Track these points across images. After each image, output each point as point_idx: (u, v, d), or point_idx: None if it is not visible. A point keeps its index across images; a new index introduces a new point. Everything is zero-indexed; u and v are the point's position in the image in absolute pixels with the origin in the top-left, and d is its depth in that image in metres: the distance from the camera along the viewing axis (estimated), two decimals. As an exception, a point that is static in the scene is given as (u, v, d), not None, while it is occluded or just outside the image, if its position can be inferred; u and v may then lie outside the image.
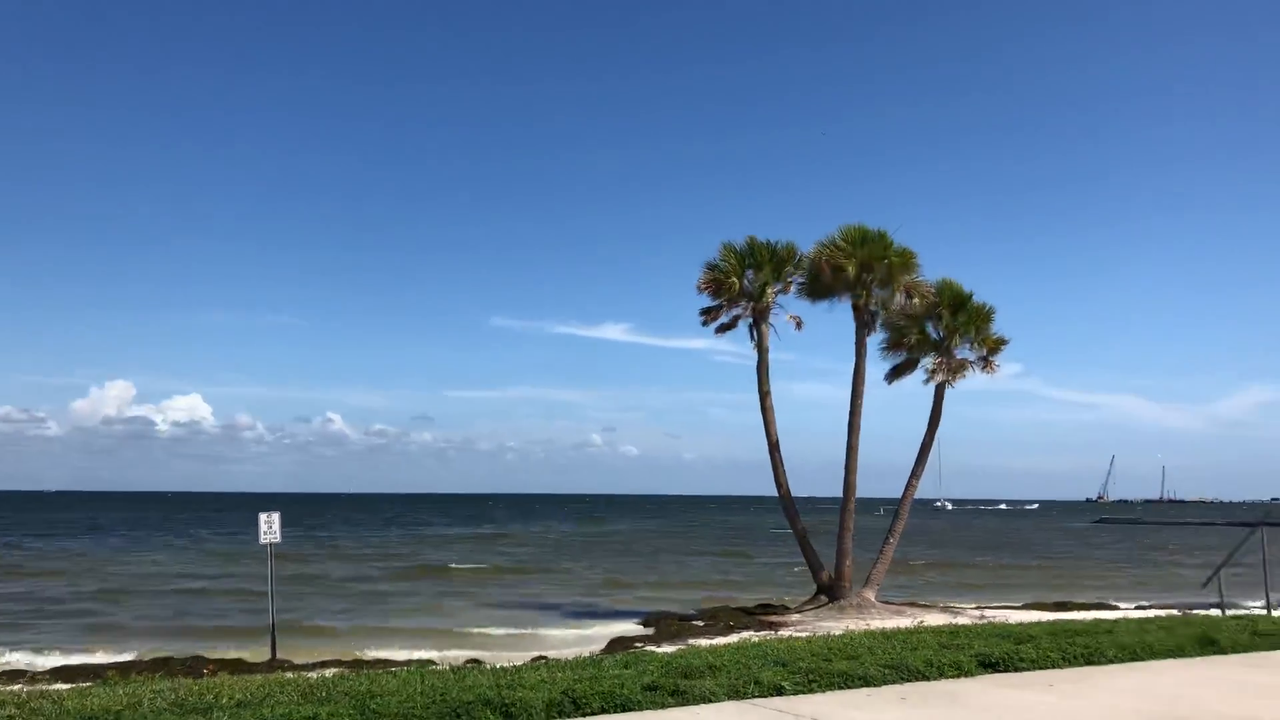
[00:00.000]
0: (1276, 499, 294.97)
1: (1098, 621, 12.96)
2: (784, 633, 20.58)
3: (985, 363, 27.60)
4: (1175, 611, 17.76)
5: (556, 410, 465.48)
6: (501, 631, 26.37)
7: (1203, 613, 16.84)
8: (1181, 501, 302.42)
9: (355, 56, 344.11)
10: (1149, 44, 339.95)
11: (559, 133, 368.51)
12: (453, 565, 49.42)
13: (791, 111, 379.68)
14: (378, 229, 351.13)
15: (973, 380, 28.17)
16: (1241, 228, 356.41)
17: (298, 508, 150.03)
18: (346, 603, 33.36)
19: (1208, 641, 10.32)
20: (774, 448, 28.20)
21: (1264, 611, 17.07)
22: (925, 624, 14.63)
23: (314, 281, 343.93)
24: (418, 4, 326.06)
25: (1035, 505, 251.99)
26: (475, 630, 26.53)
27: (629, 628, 25.69)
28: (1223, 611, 16.27)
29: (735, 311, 28.67)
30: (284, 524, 22.35)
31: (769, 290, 28.18)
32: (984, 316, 27.52)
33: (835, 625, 22.17)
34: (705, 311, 28.90)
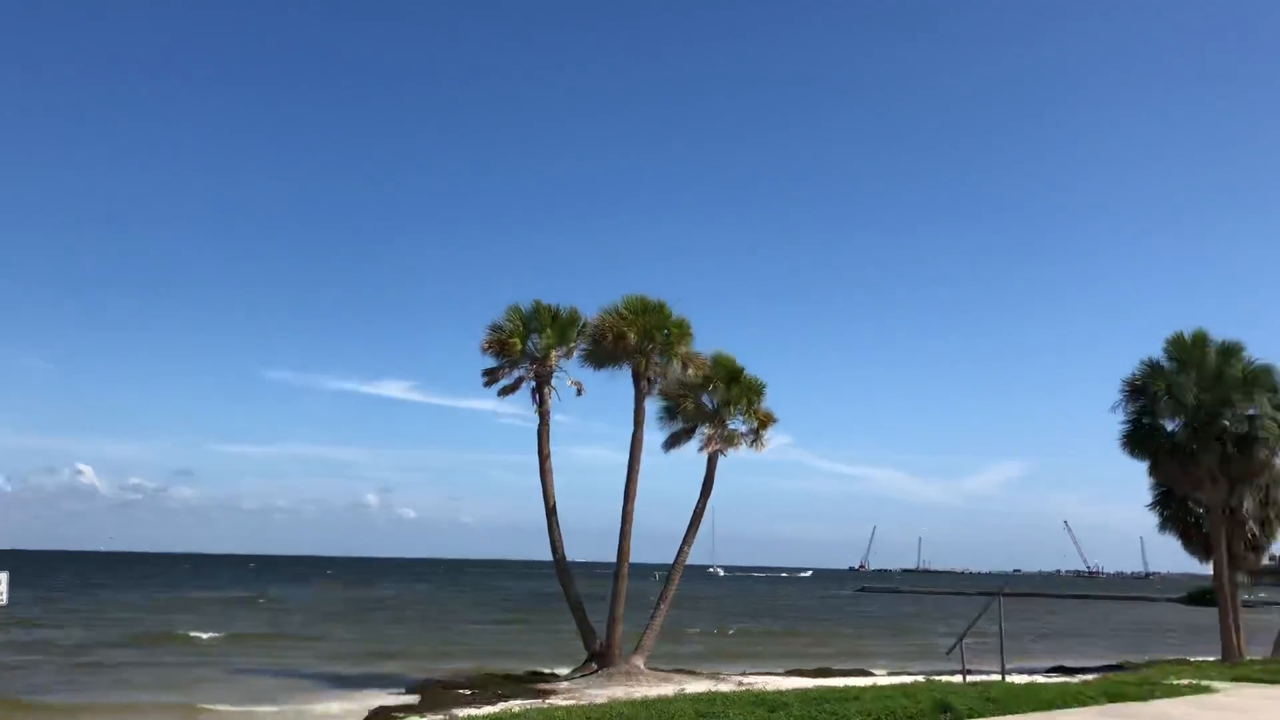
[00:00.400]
0: (1018, 570, 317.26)
1: (849, 688, 13.44)
2: (552, 701, 20.36)
3: (755, 437, 28.50)
4: (922, 678, 18.63)
5: (331, 469, 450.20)
6: (248, 708, 24.09)
7: (946, 679, 17.72)
8: (935, 571, 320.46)
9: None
10: (901, 148, 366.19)
11: (351, 180, 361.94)
12: (196, 633, 44.71)
13: (579, 187, 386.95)
14: (143, 267, 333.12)
15: (749, 450, 29.05)
16: (986, 320, 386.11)
17: (35, 566, 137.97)
18: (73, 674, 30.38)
19: (945, 707, 10.87)
20: (551, 512, 28.11)
21: (999, 677, 18.15)
22: (687, 691, 14.76)
23: (66, 322, 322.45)
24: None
25: (809, 573, 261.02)
26: (221, 706, 24.14)
27: (393, 698, 24.71)
28: (964, 678, 17.20)
29: (518, 374, 28.60)
30: (14, 584, 20.38)
31: (552, 354, 28.29)
32: (755, 390, 28.52)
33: (603, 693, 22.10)
34: (488, 372, 28.70)
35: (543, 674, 28.18)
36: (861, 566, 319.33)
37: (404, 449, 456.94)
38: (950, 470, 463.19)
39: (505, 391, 28.82)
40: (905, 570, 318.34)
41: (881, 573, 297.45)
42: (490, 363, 28.51)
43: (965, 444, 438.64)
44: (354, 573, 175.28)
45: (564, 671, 28.07)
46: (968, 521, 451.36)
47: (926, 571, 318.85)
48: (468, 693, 24.64)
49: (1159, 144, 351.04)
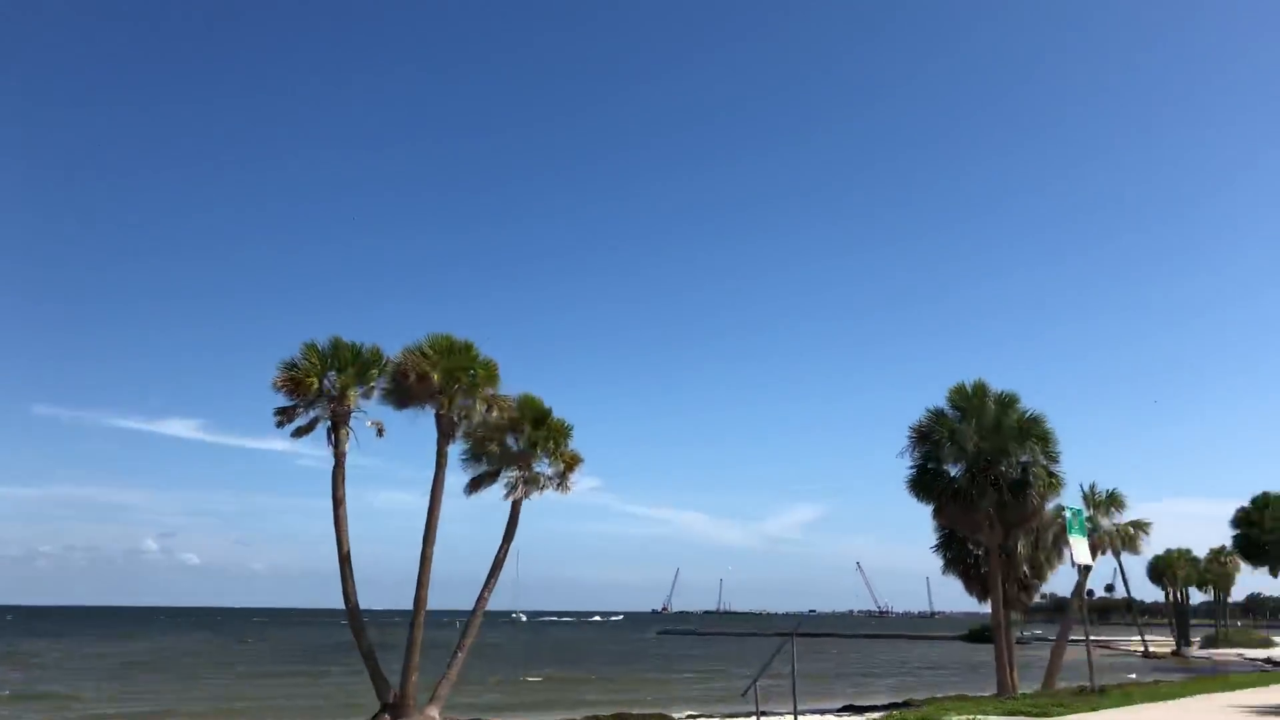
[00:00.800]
0: (814, 610, 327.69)
1: (645, 735, 13.36)
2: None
3: (561, 480, 28.28)
4: (717, 721, 18.75)
5: (106, 513, 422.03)
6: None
7: (742, 721, 17.90)
8: (735, 613, 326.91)
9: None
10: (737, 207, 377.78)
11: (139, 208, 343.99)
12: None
13: (383, 217, 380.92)
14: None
15: (555, 494, 28.73)
16: (781, 368, 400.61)
17: None
18: None
19: (739, 752, 10.92)
20: (345, 559, 26.96)
21: (792, 718, 18.47)
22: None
23: None
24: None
25: (620, 616, 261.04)
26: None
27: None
28: (758, 719, 17.40)
29: (314, 414, 27.41)
30: None
31: (351, 393, 27.26)
32: (563, 432, 28.34)
33: (396, 746, 21.29)
34: (281, 411, 27.36)
35: (332, 728, 26.95)
36: (664, 609, 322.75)
37: (189, 491, 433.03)
38: (751, 512, 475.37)
39: (300, 432, 27.57)
40: (707, 612, 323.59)
41: (683, 615, 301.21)
42: (284, 401, 27.21)
43: (765, 487, 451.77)
44: (127, 623, 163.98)
45: (355, 724, 26.92)
46: (767, 563, 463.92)
47: (727, 613, 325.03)
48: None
49: (953, 194, 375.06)
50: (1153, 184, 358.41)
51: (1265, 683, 26.71)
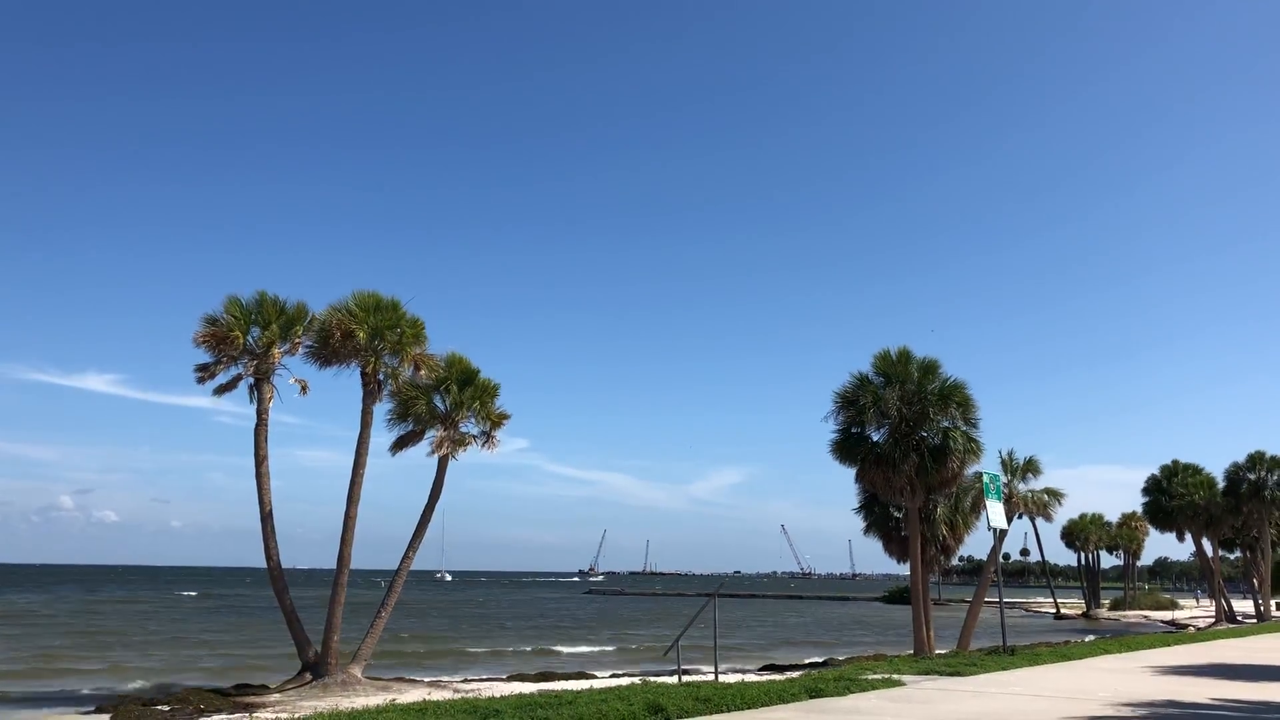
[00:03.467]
0: (739, 572, 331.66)
1: (565, 693, 13.46)
2: (258, 715, 19.34)
3: (488, 438, 28.23)
4: (639, 680, 18.95)
5: (17, 468, 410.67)
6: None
7: (663, 680, 18.11)
8: (662, 574, 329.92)
9: None
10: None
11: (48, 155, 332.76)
12: None
13: (312, 167, 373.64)
14: None
15: (481, 453, 28.63)
16: (709, 334, 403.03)
17: None
18: None
19: (656, 709, 11.03)
20: (266, 517, 26.68)
21: (713, 677, 18.74)
22: (398, 701, 14.34)
23: None
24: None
25: (575, 577, 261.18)
26: None
27: (79, 719, 22.66)
28: (679, 679, 17.63)
29: (235, 370, 26.97)
30: None
31: (275, 350, 26.85)
32: (490, 392, 28.25)
33: (316, 704, 21.21)
34: (202, 368, 26.89)
35: (251, 686, 26.67)
36: (592, 570, 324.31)
37: (107, 447, 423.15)
38: (677, 476, 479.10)
39: (222, 389, 27.10)
40: (633, 573, 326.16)
41: (611, 575, 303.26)
42: (205, 357, 26.76)
43: (690, 449, 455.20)
44: (40, 580, 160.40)
45: (276, 683, 26.71)
46: (693, 525, 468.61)
47: (653, 574, 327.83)
48: (165, 709, 22.89)
49: (879, 169, 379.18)
50: (1073, 161, 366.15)
51: (1168, 643, 27.68)
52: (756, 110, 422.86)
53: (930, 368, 31.11)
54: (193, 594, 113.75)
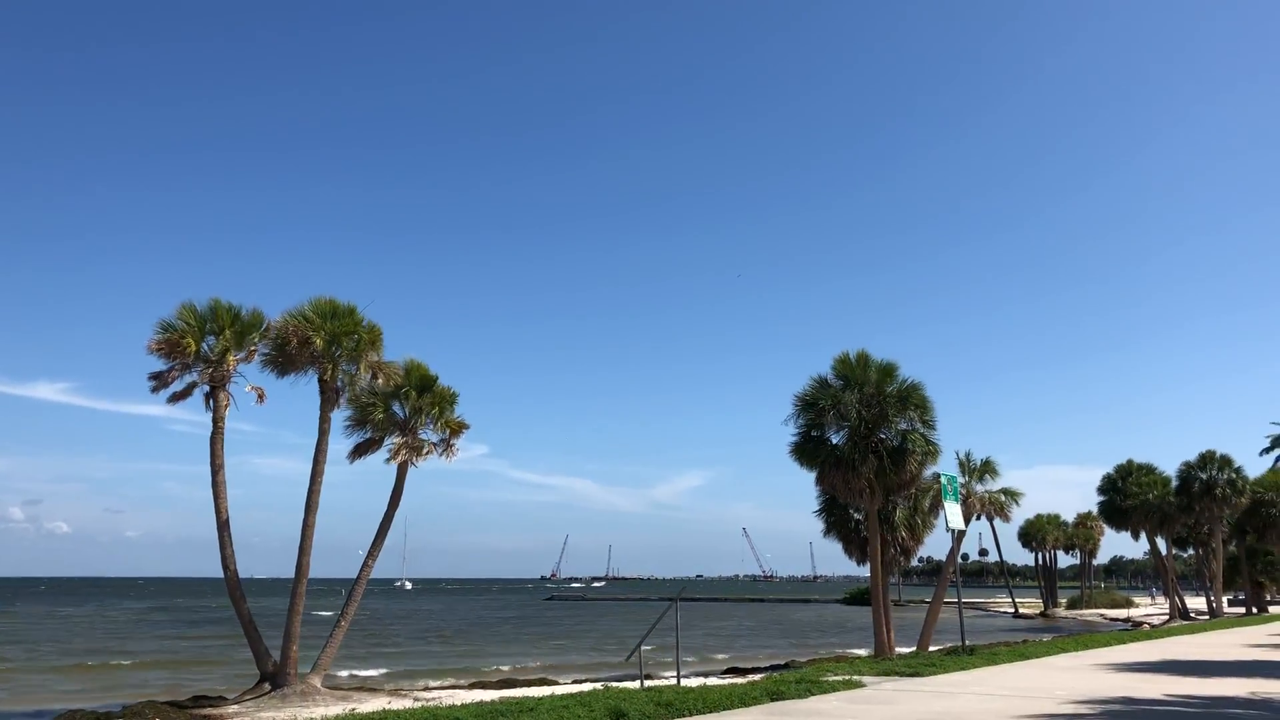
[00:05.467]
0: (700, 575, 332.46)
1: (526, 699, 13.39)
2: (215, 728, 19.03)
3: (447, 445, 28.04)
4: (601, 685, 18.91)
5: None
6: None
7: (626, 685, 18.09)
8: (624, 578, 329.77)
9: None
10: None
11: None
12: None
13: (265, 173, 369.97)
14: None
15: (440, 460, 28.42)
16: (670, 340, 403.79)
17: None
18: None
19: (618, 715, 11.04)
20: (223, 526, 26.30)
21: (675, 681, 18.74)
22: (358, 711, 14.21)
23: None
24: None
25: (548, 583, 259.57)
26: None
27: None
28: (641, 684, 17.61)
29: (190, 378, 26.57)
30: None
31: (230, 357, 26.49)
32: (448, 399, 28.08)
33: (275, 715, 20.99)
34: (155, 376, 26.45)
35: (208, 698, 26.27)
36: (553, 575, 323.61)
37: (58, 457, 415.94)
38: (640, 479, 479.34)
39: (176, 398, 26.71)
40: (595, 578, 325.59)
41: (572, 580, 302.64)
42: (159, 365, 26.35)
43: (653, 454, 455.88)
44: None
45: (234, 694, 26.35)
46: (656, 529, 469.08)
47: (616, 578, 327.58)
48: (120, 722, 22.53)
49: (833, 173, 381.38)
50: (1029, 172, 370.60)
51: (1123, 641, 28.07)
52: (703, 105, 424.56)
53: (888, 370, 31.32)
54: (146, 605, 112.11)
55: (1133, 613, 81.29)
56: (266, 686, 25.22)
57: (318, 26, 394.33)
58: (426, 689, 27.58)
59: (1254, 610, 66.03)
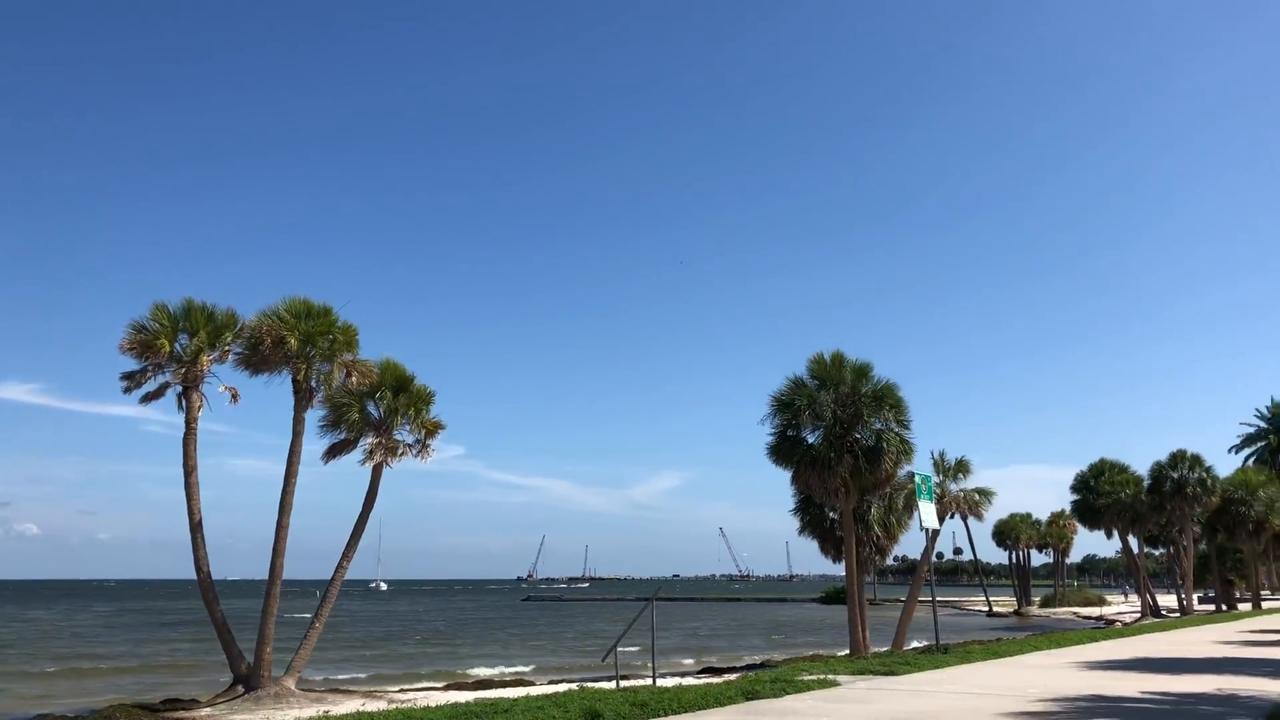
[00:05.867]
0: (677, 575, 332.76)
1: (500, 700, 13.37)
2: (188, 731, 18.90)
3: (422, 446, 27.91)
4: (577, 686, 18.90)
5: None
6: None
7: (601, 685, 18.08)
8: (601, 578, 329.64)
9: None
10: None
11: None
12: None
13: (236, 176, 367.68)
14: None
15: (415, 461, 28.24)
16: (645, 339, 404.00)
17: None
18: None
19: (593, 715, 11.03)
20: (196, 527, 26.13)
21: (651, 682, 18.74)
22: (332, 713, 14.14)
23: None
24: None
25: (527, 577, 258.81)
26: None
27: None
28: (617, 684, 17.61)
29: (163, 378, 26.42)
30: None
31: (204, 357, 26.34)
32: (424, 399, 27.95)
33: (249, 717, 20.89)
34: (128, 376, 26.29)
35: (181, 701, 26.10)
36: (530, 576, 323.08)
37: (28, 458, 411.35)
38: (617, 480, 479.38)
39: (149, 398, 26.55)
40: (572, 578, 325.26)
41: (549, 581, 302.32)
42: (132, 365, 26.19)
43: (630, 454, 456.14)
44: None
45: (207, 697, 26.17)
46: (633, 529, 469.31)
47: (593, 579, 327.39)
48: (91, 726, 22.36)
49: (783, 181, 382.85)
50: (994, 173, 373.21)
51: (1095, 639, 28.30)
52: (673, 103, 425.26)
53: (863, 370, 31.46)
54: (118, 607, 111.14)
55: (1105, 611, 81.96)
56: (240, 689, 25.06)
57: (285, 38, 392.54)
58: (401, 691, 27.48)
59: (1223, 608, 66.71)
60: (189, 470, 26.21)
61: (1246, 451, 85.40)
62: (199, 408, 26.42)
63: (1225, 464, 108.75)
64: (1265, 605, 64.60)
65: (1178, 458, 60.38)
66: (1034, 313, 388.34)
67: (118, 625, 76.90)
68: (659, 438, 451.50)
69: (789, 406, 31.37)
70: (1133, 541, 65.01)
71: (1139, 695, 13.67)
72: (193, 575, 26.35)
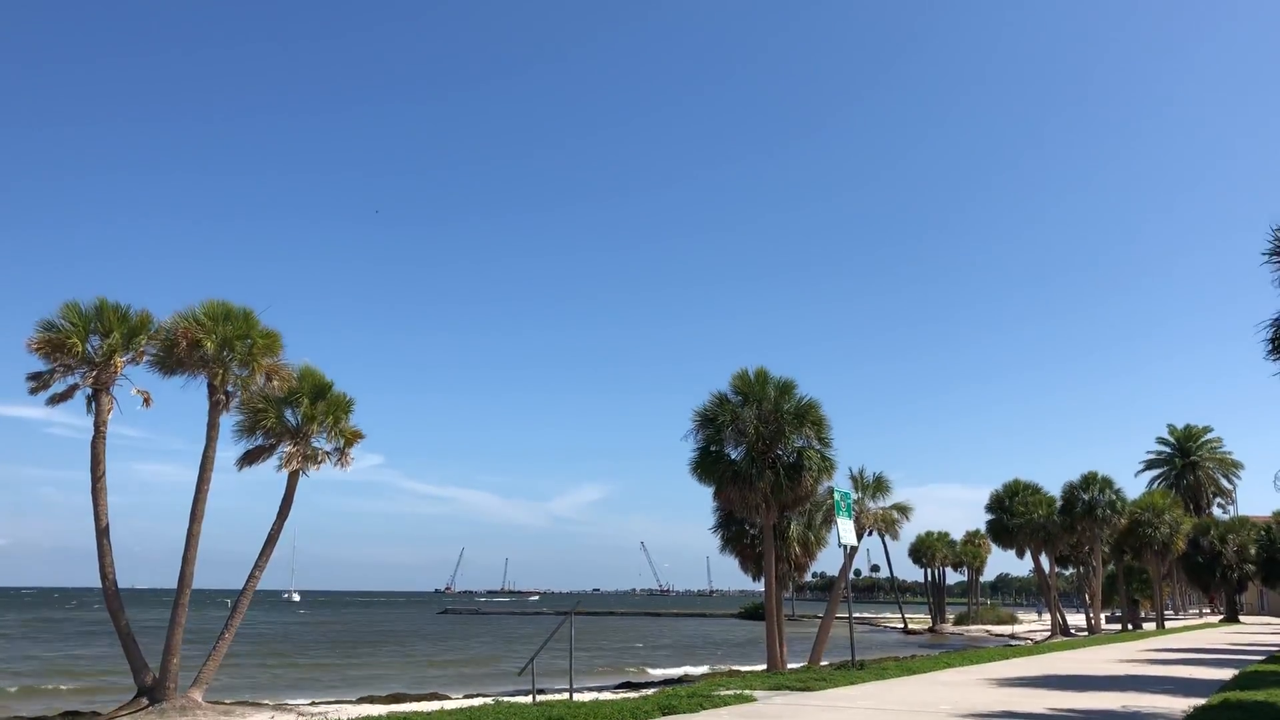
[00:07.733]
0: (598, 589, 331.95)
1: (413, 715, 13.14)
2: (88, 744, 18.29)
3: (341, 454, 27.45)
4: (493, 700, 18.71)
5: None
6: None
7: (518, 700, 17.92)
8: (521, 592, 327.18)
9: None
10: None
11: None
12: None
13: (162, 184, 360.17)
14: None
15: (334, 470, 27.75)
16: (570, 352, 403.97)
17: None
18: None
19: (509, 730, 10.93)
20: (103, 533, 25.34)
21: (567, 696, 18.61)
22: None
23: None
24: None
25: (537, 597, 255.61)
26: None
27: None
28: (534, 698, 17.47)
29: (72, 380, 25.58)
30: None
31: (117, 359, 25.58)
32: (344, 407, 27.48)
33: (152, 732, 20.23)
34: (35, 377, 25.41)
35: (80, 714, 25.29)
36: (448, 588, 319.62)
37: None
38: (538, 492, 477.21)
39: (57, 400, 25.69)
40: (491, 591, 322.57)
41: (467, 594, 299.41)
42: (40, 365, 25.34)
43: (551, 466, 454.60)
44: None
45: (108, 710, 25.36)
46: (554, 543, 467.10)
47: (512, 592, 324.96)
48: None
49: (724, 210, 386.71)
50: (922, 196, 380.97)
51: (1007, 656, 28.87)
52: (609, 109, 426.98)
53: (786, 387, 31.73)
54: (15, 616, 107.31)
55: (1017, 629, 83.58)
56: (144, 701, 24.31)
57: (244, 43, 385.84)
58: (313, 704, 26.95)
59: (1129, 627, 68.48)
60: (97, 475, 25.42)
61: (1151, 474, 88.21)
62: (109, 411, 25.66)
63: (1132, 486, 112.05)
64: (1168, 625, 66.52)
65: (1089, 479, 61.84)
66: (946, 336, 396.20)
67: (12, 636, 73.95)
68: (581, 449, 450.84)
69: (712, 422, 31.51)
70: (1044, 561, 66.38)
71: (1047, 712, 13.93)
72: (98, 583, 25.56)
